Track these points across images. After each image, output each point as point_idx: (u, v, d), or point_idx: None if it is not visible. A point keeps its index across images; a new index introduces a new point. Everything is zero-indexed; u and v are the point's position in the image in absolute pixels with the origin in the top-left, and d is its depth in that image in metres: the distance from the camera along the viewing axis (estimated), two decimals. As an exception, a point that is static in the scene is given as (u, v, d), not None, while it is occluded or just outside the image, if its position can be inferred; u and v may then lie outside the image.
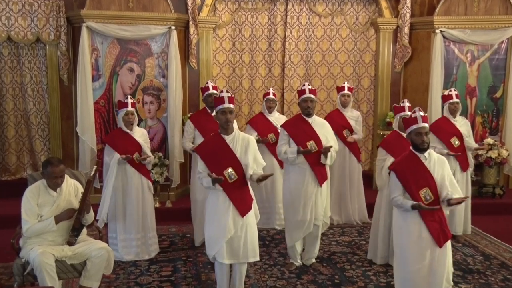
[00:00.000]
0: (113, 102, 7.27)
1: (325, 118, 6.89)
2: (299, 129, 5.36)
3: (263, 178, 4.39)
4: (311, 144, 5.30)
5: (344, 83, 7.06)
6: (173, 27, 7.25)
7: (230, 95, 4.49)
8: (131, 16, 7.15)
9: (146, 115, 7.39)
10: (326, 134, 5.41)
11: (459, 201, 4.07)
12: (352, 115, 6.96)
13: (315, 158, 5.33)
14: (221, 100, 4.47)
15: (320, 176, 5.36)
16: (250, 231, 4.50)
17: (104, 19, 7.08)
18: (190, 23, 7.54)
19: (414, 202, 4.06)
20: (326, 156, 5.31)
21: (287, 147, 5.36)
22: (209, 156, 4.48)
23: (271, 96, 6.74)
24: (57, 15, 7.26)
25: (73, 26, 7.35)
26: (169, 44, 7.28)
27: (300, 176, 5.35)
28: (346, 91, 6.88)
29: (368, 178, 7.77)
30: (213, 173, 4.34)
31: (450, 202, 4.07)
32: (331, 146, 5.29)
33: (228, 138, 4.50)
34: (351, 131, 6.87)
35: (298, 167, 5.35)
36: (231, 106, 4.47)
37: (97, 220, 5.39)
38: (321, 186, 5.35)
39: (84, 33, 7.00)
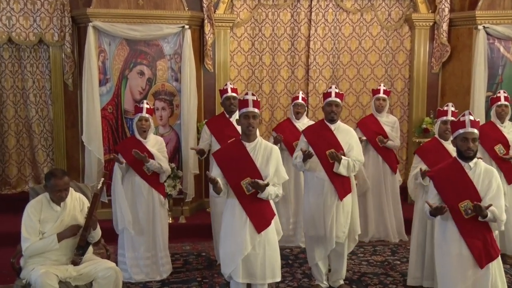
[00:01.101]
0: (122, 108, 7.33)
1: (357, 124, 6.93)
2: (319, 136, 5.34)
3: (256, 185, 4.30)
4: (330, 153, 5.25)
5: (380, 85, 7.03)
6: (186, 26, 7.29)
7: (255, 98, 4.49)
8: (141, 15, 7.20)
9: (157, 122, 7.42)
10: (350, 142, 5.36)
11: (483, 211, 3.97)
12: (388, 121, 6.93)
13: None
14: (245, 103, 4.48)
15: (340, 188, 5.30)
16: (269, 248, 4.48)
17: (112, 18, 7.14)
18: (206, 21, 7.58)
19: (433, 207, 4.02)
20: (338, 163, 5.22)
21: (301, 153, 5.33)
22: (227, 163, 4.48)
23: (300, 100, 6.72)
24: (61, 15, 7.35)
25: (79, 26, 7.43)
26: (183, 44, 7.32)
27: (318, 188, 5.33)
28: (381, 94, 6.85)
29: (404, 191, 7.68)
30: (212, 175, 4.29)
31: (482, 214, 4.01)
32: (342, 154, 5.22)
33: (249, 146, 4.50)
34: (386, 138, 6.84)
35: (317, 178, 5.34)
36: (256, 110, 4.46)
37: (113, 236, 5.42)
38: (340, 200, 5.30)
39: (91, 34, 7.07)
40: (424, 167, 5.24)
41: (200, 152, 6.15)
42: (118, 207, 5.70)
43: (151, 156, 5.72)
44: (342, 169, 5.24)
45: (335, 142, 5.30)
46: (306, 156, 5.21)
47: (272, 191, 4.42)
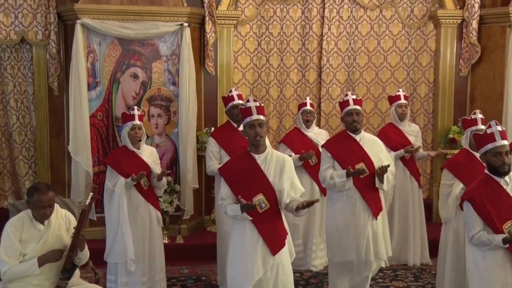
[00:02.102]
0: (113, 115, 7.30)
1: (378, 136, 6.85)
2: (344, 149, 5.33)
3: (308, 204, 4.30)
4: (360, 167, 5.25)
5: (398, 91, 6.99)
6: (185, 24, 7.27)
7: (258, 104, 4.48)
8: (135, 11, 7.19)
9: (152, 131, 7.40)
10: (379, 154, 5.36)
11: None
12: (411, 130, 6.93)
13: (366, 183, 5.28)
14: (247, 112, 4.47)
15: (374, 205, 5.29)
16: (282, 273, 4.45)
17: (102, 15, 7.13)
18: (207, 18, 7.57)
19: (505, 235, 3.97)
20: (381, 180, 5.23)
21: (332, 171, 5.31)
22: (235, 178, 4.46)
23: (308, 107, 6.73)
24: (46, 11, 7.34)
25: (65, 24, 7.41)
26: (181, 44, 7.30)
27: (348, 206, 5.30)
28: (403, 101, 6.83)
29: (427, 208, 7.61)
30: (247, 202, 4.29)
31: None
32: (388, 165, 5.21)
33: (259, 158, 4.48)
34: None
35: (346, 195, 5.32)
36: (261, 117, 4.45)
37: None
38: (375, 218, 5.29)
39: (79, 32, 7.05)
40: (460, 185, 5.16)
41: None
42: (120, 236, 5.63)
43: (148, 168, 5.72)
44: (385, 185, 5.26)
45: (363, 155, 5.29)
46: (354, 173, 5.17)
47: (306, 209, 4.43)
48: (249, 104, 4.48)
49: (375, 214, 5.27)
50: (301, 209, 4.30)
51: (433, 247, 6.06)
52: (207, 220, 7.86)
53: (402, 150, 6.69)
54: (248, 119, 4.45)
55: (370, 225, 5.27)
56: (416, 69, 8.39)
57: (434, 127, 8.36)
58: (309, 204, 4.30)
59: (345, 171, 5.20)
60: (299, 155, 6.46)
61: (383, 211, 5.42)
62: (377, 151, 5.36)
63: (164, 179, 5.87)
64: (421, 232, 6.93)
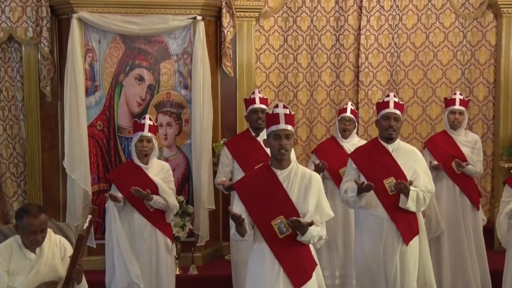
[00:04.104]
0: (115, 124, 7.35)
1: (425, 144, 6.90)
2: (373, 160, 5.36)
3: (296, 225, 4.24)
4: (389, 182, 5.26)
5: (455, 93, 6.93)
6: (199, 17, 7.31)
7: (288, 112, 4.48)
8: (141, 3, 7.25)
9: (161, 143, 7.42)
10: (415, 166, 5.35)
11: None
12: (467, 140, 6.85)
13: (396, 203, 5.26)
14: (274, 119, 4.47)
15: (405, 229, 5.27)
16: (309, 311, 4.47)
17: (102, 8, 7.19)
18: (224, 10, 7.61)
19: None
20: (406, 196, 5.19)
21: (351, 184, 5.33)
22: (253, 196, 4.47)
23: (348, 113, 6.74)
24: (37, 4, 7.39)
25: (60, 19, 7.48)
26: (194, 41, 7.34)
27: (375, 229, 5.32)
28: (457, 106, 6.75)
29: (489, 233, 7.55)
30: (238, 212, 4.26)
31: None
32: (410, 182, 5.18)
33: (281, 174, 4.49)
34: (465, 162, 6.74)
35: (372, 216, 5.34)
36: (289, 127, 4.46)
37: None
38: (406, 244, 5.27)
39: (75, 28, 7.10)
40: None
41: (229, 189, 6.13)
42: (118, 258, 5.69)
43: (155, 187, 5.74)
44: (410, 204, 5.19)
45: (395, 168, 5.29)
46: (363, 189, 5.15)
47: (315, 233, 4.38)
48: (277, 110, 4.48)
49: (405, 239, 5.24)
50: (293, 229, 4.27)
51: (497, 280, 5.98)
52: (225, 247, 7.81)
53: (433, 164, 6.58)
54: (273, 128, 4.45)
55: (399, 252, 5.25)
56: (472, 68, 8.37)
57: (494, 136, 8.34)
58: (298, 224, 4.23)
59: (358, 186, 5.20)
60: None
61: (422, 235, 5.39)
62: (413, 163, 5.35)
63: (158, 199, 5.80)
64: (480, 261, 6.85)
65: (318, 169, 6.37)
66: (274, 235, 4.38)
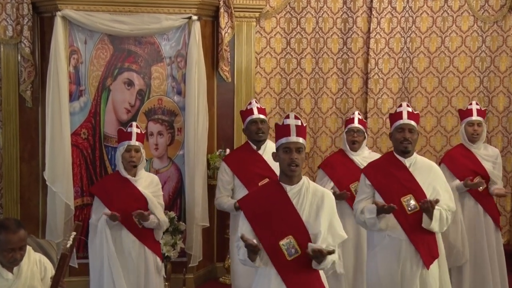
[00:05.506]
0: (101, 133, 7.36)
1: (443, 160, 6.84)
2: (388, 177, 5.35)
3: (318, 254, 4.23)
4: (407, 200, 5.25)
5: (471, 103, 6.90)
6: (195, 17, 7.34)
7: (300, 123, 4.48)
8: (131, 1, 7.27)
9: (151, 153, 7.44)
10: (435, 183, 5.35)
11: None
12: (488, 154, 6.82)
13: (416, 222, 5.24)
14: (284, 131, 4.47)
15: (426, 251, 5.27)
16: None
17: (89, 5, 7.20)
18: (222, 10, 7.64)
19: None
20: (430, 217, 5.19)
21: (366, 203, 5.33)
22: (259, 214, 4.46)
23: (356, 124, 6.72)
24: (17, 1, 7.37)
25: (42, 17, 7.49)
26: (189, 43, 7.37)
27: (392, 252, 5.29)
28: (475, 117, 6.74)
29: (509, 257, 7.55)
30: (254, 241, 4.27)
31: None
32: (437, 201, 5.17)
33: (291, 190, 4.47)
34: (486, 178, 6.71)
35: (389, 237, 5.32)
36: (301, 140, 4.45)
37: None
38: (427, 267, 5.26)
39: (59, 27, 7.12)
40: None
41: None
42: (107, 280, 5.68)
43: (144, 201, 5.77)
44: (434, 225, 5.19)
45: (413, 184, 5.28)
46: (384, 211, 5.15)
47: (331, 259, 4.34)
48: (288, 121, 4.48)
49: (426, 263, 5.23)
50: (314, 258, 4.26)
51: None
52: (220, 268, 7.87)
53: (461, 183, 6.54)
54: (283, 140, 4.45)
55: (419, 277, 5.24)
56: (492, 75, 8.40)
57: (515, 151, 8.37)
58: (319, 252, 4.21)
59: (377, 206, 5.19)
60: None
61: (441, 259, 5.39)
62: (433, 179, 5.34)
63: (153, 219, 5.84)
64: (502, 286, 6.83)
65: (338, 198, 6.24)
66: (282, 257, 4.36)
